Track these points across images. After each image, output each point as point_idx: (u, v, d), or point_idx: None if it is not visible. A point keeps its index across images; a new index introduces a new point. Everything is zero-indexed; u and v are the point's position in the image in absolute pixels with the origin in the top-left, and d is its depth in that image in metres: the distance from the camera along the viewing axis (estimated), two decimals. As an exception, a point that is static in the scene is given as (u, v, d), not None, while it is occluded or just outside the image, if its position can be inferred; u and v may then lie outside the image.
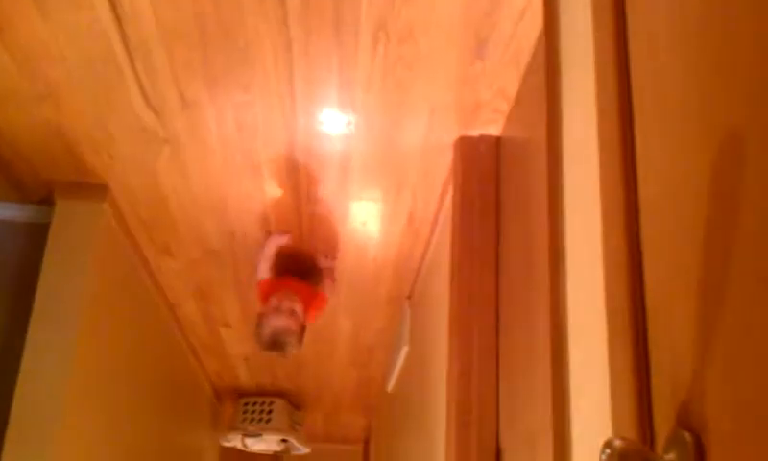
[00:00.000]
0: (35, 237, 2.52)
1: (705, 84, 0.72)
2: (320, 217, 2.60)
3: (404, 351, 3.07)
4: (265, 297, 2.77)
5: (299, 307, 2.74)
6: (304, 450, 4.54)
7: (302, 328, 2.78)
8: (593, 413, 0.99)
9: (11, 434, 2.22)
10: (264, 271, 2.75)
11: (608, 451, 0.70)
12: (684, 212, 0.74)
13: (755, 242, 0.60)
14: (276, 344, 2.75)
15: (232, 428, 4.42)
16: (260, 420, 4.40)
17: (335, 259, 2.84)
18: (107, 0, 1.73)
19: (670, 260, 0.77)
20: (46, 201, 2.52)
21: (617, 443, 0.70)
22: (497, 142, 2.08)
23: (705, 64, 0.72)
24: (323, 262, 2.82)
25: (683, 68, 0.77)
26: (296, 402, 4.61)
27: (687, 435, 0.68)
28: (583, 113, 1.14)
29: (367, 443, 5.11)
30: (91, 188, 2.45)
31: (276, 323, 2.71)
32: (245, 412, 4.43)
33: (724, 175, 0.67)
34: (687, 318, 0.72)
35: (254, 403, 4.46)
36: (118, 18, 1.78)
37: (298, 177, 2.37)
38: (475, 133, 2.09)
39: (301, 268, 2.86)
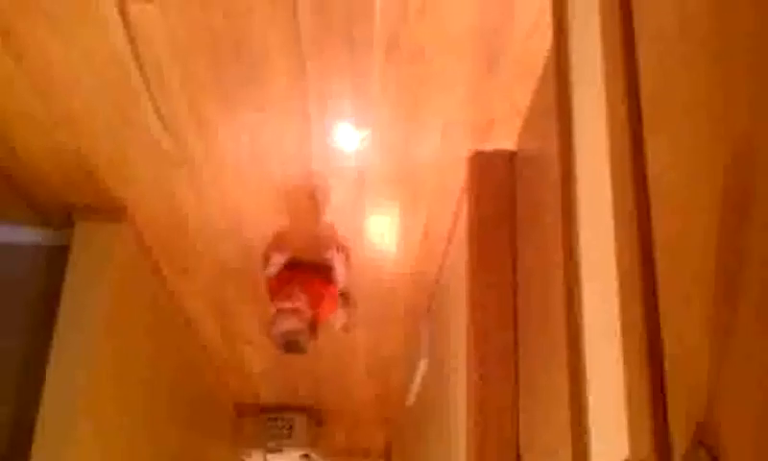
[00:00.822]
0: (55, 260, 2.56)
1: (713, 93, 0.72)
2: (334, 220, 2.60)
3: (423, 364, 3.07)
4: (274, 293, 2.76)
5: (302, 303, 2.71)
6: (326, 465, 4.54)
7: (311, 323, 2.76)
8: (613, 427, 0.99)
9: (35, 452, 2.25)
10: (272, 274, 2.75)
11: (624, 470, 0.70)
12: (696, 223, 0.75)
13: (767, 253, 0.60)
14: (290, 346, 2.76)
15: (253, 445, 4.43)
16: (281, 435, 4.40)
17: (346, 253, 2.75)
18: (121, 25, 1.75)
19: (684, 273, 0.78)
20: (65, 224, 2.54)
21: (634, 461, 0.71)
22: (511, 156, 2.09)
23: (713, 74, 0.72)
24: (331, 257, 2.74)
25: (691, 78, 0.77)
26: (316, 417, 4.61)
27: (703, 452, 0.68)
28: (594, 126, 1.15)
29: (388, 456, 5.10)
30: (110, 210, 2.47)
31: (281, 328, 2.72)
32: (266, 428, 4.44)
33: (734, 184, 0.67)
34: (702, 333, 0.72)
35: (275, 419, 4.47)
36: (133, 43, 1.80)
37: (313, 192, 2.38)
38: (489, 147, 2.10)
39: (310, 268, 2.84)
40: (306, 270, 2.81)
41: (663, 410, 0.79)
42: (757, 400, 0.61)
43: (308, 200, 2.42)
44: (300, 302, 2.71)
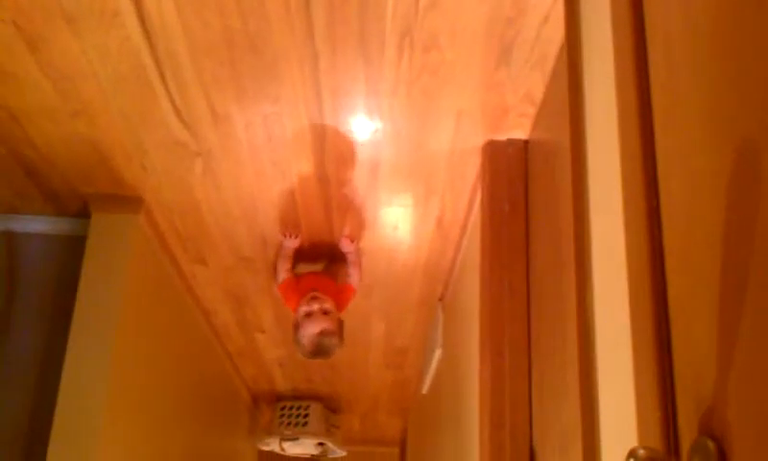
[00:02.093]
0: (72, 250, 2.58)
1: (720, 93, 0.72)
2: (349, 211, 2.62)
3: (437, 353, 3.08)
4: (288, 299, 2.68)
5: (330, 304, 2.62)
6: (341, 453, 4.57)
7: (340, 325, 2.66)
8: (622, 419, 1.00)
9: (53, 444, 2.27)
10: (283, 273, 2.68)
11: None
12: (703, 220, 0.75)
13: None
14: (319, 350, 2.63)
15: (270, 432, 4.46)
16: (297, 423, 4.44)
17: (358, 242, 2.71)
18: (136, 18, 1.76)
19: (692, 269, 0.78)
20: (82, 214, 2.57)
21: (641, 452, 0.71)
22: (525, 146, 2.09)
23: (721, 73, 0.73)
24: (345, 246, 2.69)
25: (700, 76, 0.78)
26: (332, 406, 4.64)
27: (710, 443, 0.69)
28: (606, 118, 1.15)
29: (404, 445, 5.12)
30: (126, 201, 2.50)
31: (313, 329, 2.59)
32: (281, 416, 4.48)
33: (740, 184, 0.67)
34: (709, 326, 0.73)
35: (291, 407, 4.50)
36: (148, 36, 1.81)
37: (327, 184, 2.39)
38: (503, 137, 2.10)
39: (323, 259, 2.80)
40: (321, 268, 2.79)
41: (672, 402, 0.80)
42: (763, 393, 0.62)
43: (322, 189, 2.43)
44: (329, 304, 2.62)
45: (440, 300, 3.14)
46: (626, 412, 0.95)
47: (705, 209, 0.75)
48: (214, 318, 3.44)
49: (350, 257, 2.71)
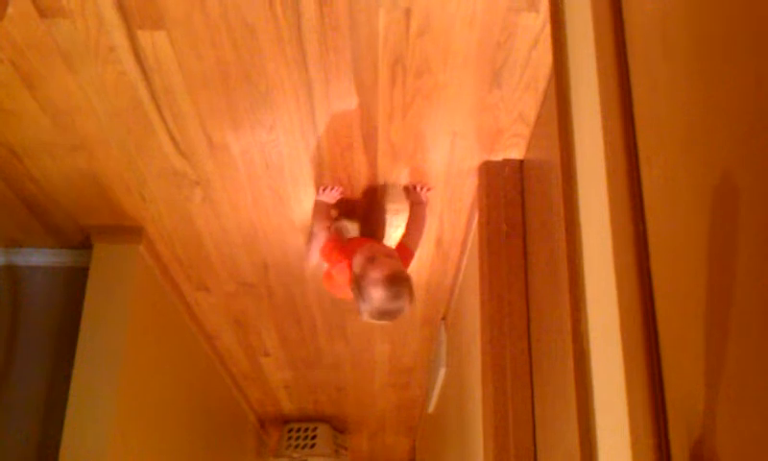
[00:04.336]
0: (74, 281, 2.60)
1: (700, 123, 0.73)
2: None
3: (442, 372, 3.08)
4: (336, 261, 2.19)
5: (393, 252, 2.15)
6: (350, 474, 4.57)
7: (409, 278, 2.10)
8: (620, 446, 1.00)
9: (61, 475, 2.28)
10: (322, 233, 2.24)
11: (623, 490, 0.71)
12: (687, 247, 0.76)
13: (753, 279, 0.62)
14: (390, 301, 2.03)
15: (278, 455, 4.46)
16: (305, 445, 4.44)
17: (428, 190, 2.26)
18: (131, 54, 1.78)
19: (679, 298, 0.79)
20: (84, 245, 2.59)
21: (633, 481, 0.72)
22: (521, 165, 2.10)
23: (699, 103, 0.74)
24: (414, 197, 2.26)
25: (680, 105, 0.79)
26: (339, 426, 4.63)
27: (701, 470, 0.70)
28: (595, 140, 1.16)
29: (412, 463, 5.11)
30: (127, 231, 2.51)
31: (382, 271, 2.01)
32: (289, 438, 4.48)
33: (721, 213, 0.68)
34: (697, 356, 0.73)
35: (298, 429, 4.50)
36: (143, 70, 1.83)
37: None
38: (498, 157, 2.11)
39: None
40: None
41: (665, 429, 0.81)
42: (747, 421, 0.63)
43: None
44: (389, 248, 2.17)
45: (443, 319, 3.14)
46: (623, 439, 0.95)
47: (689, 237, 0.76)
48: (218, 343, 3.44)
49: (416, 211, 2.26)
